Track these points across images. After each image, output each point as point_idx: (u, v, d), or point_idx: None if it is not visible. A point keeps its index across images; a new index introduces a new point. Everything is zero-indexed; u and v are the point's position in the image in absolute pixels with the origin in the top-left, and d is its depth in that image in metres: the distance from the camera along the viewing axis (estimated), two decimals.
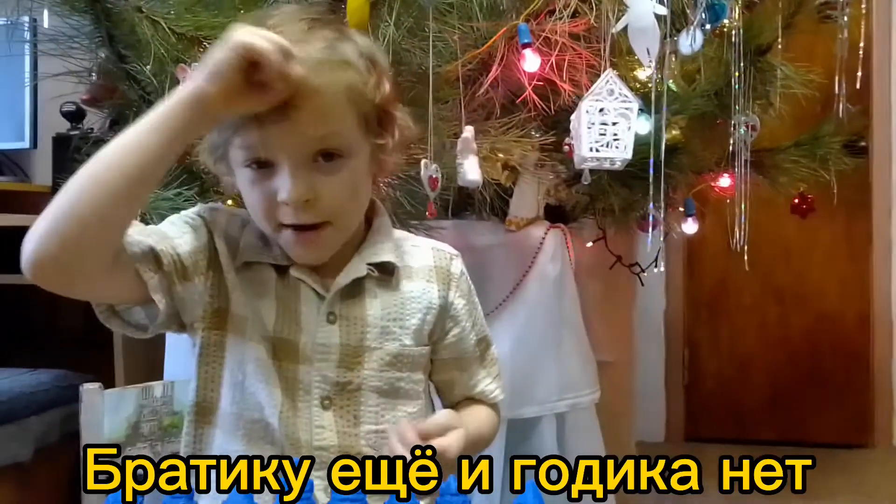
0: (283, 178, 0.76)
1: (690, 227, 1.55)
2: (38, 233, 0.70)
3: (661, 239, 1.51)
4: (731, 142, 1.46)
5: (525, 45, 1.20)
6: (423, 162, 1.12)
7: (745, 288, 2.99)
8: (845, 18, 1.61)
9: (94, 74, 1.33)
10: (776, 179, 1.72)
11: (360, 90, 0.78)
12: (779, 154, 1.74)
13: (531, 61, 1.22)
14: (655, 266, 1.60)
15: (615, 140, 1.10)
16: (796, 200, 1.80)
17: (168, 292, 0.78)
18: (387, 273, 0.84)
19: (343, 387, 0.82)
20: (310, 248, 0.80)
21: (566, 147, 1.25)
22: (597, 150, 1.10)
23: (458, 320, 0.88)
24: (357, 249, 0.84)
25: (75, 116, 2.05)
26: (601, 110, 1.10)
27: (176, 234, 0.80)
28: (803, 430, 2.98)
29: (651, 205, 1.18)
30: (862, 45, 1.66)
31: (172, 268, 0.77)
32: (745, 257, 1.32)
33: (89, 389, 1.07)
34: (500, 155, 1.29)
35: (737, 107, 1.44)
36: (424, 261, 0.87)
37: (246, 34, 0.70)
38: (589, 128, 1.10)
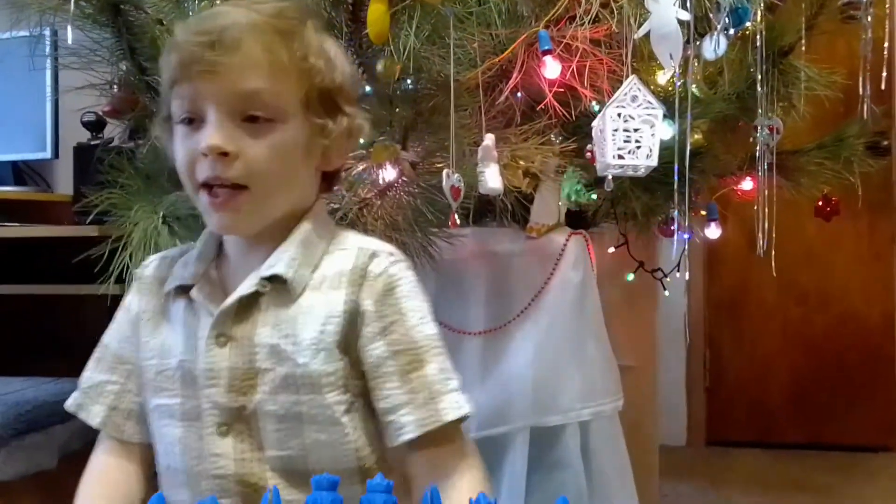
0: (207, 129, 0.75)
1: (713, 231, 1.53)
2: None
3: (684, 245, 1.50)
4: (755, 145, 1.45)
5: (545, 52, 1.19)
6: (444, 172, 1.11)
7: (766, 289, 2.96)
8: (869, 18, 1.59)
9: (115, 86, 1.34)
10: (799, 182, 1.70)
11: (300, 60, 0.77)
12: (802, 156, 1.71)
13: (552, 68, 1.20)
14: (678, 271, 1.59)
15: (638, 147, 1.09)
16: (820, 203, 1.78)
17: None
18: (282, 286, 0.78)
19: (238, 412, 0.77)
20: (223, 212, 0.76)
21: (588, 153, 1.24)
22: (621, 158, 1.09)
23: (365, 324, 0.76)
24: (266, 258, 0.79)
25: (96, 126, 2.07)
26: (625, 117, 1.09)
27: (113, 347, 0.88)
28: (827, 433, 2.94)
29: (675, 212, 1.16)
30: (886, 45, 1.63)
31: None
32: (773, 262, 1.30)
33: None
34: (521, 162, 1.28)
35: (759, 109, 1.43)
36: (342, 265, 0.79)
37: None
38: (613, 134, 1.09)
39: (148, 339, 0.84)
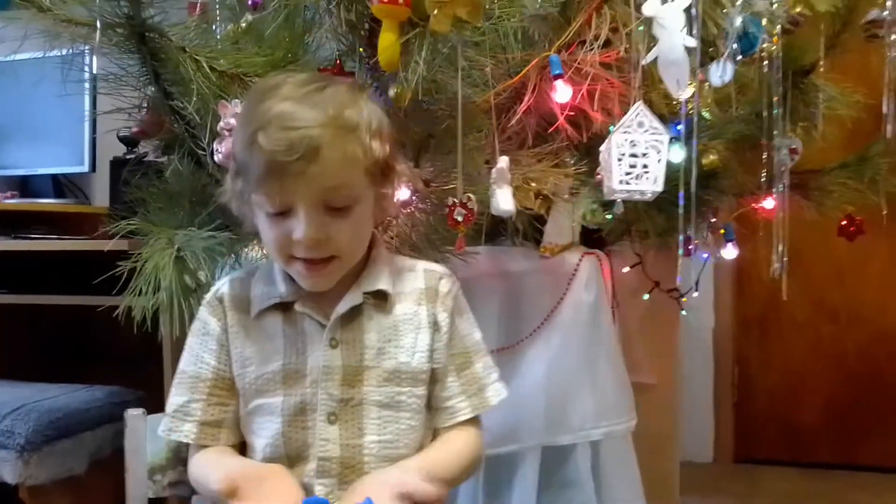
0: (299, 220, 0.88)
1: (730, 252, 1.53)
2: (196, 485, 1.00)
3: (703, 264, 1.50)
4: (771, 166, 1.44)
5: (557, 76, 1.21)
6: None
7: (797, 306, 2.92)
8: (892, 37, 1.57)
9: (143, 109, 1.39)
10: (821, 202, 1.68)
11: (365, 150, 0.89)
12: (824, 176, 1.70)
13: (563, 92, 1.22)
14: (695, 291, 1.58)
15: (645, 172, 1.10)
16: (844, 222, 1.76)
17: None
18: (381, 299, 0.96)
19: (346, 402, 0.93)
20: (318, 279, 0.93)
21: (598, 176, 1.25)
22: (627, 183, 1.09)
23: (441, 332, 0.97)
24: (356, 279, 0.96)
25: (131, 141, 2.14)
26: (631, 142, 1.10)
27: (206, 366, 0.98)
28: (860, 453, 2.88)
29: (681, 236, 1.17)
30: None
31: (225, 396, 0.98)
32: (784, 287, 1.29)
33: (133, 415, 1.12)
34: (533, 184, 1.29)
35: (776, 131, 1.42)
36: (416, 283, 0.99)
37: None
38: (619, 160, 1.10)
39: (241, 349, 0.96)
